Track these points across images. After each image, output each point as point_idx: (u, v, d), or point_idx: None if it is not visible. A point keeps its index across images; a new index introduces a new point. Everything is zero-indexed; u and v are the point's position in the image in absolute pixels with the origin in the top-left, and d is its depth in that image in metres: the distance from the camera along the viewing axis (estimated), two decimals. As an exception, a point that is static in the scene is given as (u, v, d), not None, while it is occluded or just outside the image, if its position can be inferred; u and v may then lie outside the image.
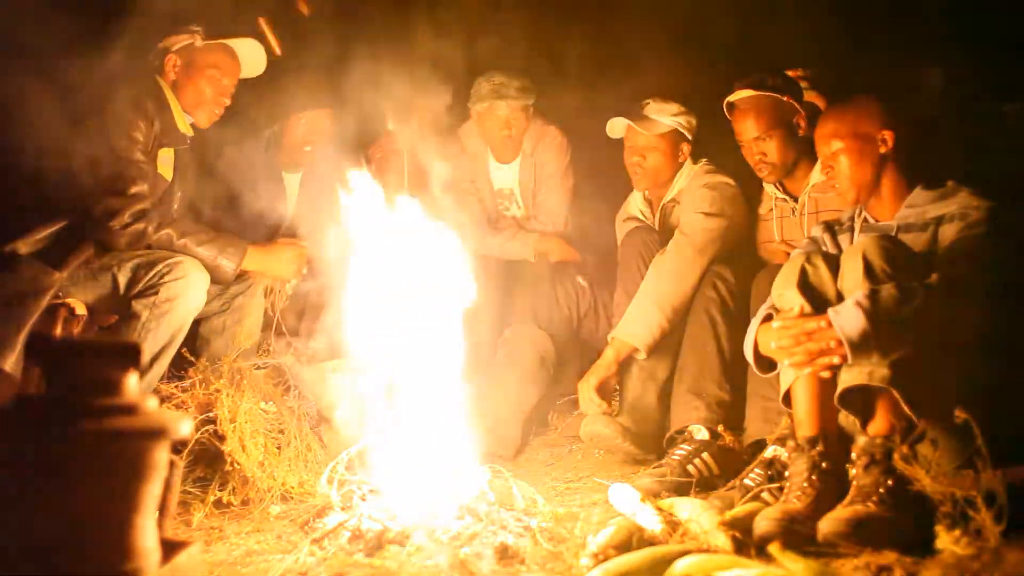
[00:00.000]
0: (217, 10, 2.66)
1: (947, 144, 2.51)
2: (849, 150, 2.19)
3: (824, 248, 2.23)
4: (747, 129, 2.65)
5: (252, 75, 2.79)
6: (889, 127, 2.16)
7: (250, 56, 2.75)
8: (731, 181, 2.87)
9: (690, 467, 2.29)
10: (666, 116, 2.95)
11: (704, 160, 3.00)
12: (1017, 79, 2.91)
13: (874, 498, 1.70)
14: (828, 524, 1.66)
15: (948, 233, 2.03)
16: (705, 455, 2.32)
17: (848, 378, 1.83)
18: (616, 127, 3.05)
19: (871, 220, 2.22)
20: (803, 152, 2.64)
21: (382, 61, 2.80)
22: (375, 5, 2.77)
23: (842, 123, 2.21)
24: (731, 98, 2.70)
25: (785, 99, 2.62)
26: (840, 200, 2.29)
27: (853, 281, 1.87)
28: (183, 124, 2.63)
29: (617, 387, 2.78)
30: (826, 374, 1.88)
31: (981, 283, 1.86)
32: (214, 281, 2.50)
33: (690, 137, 2.97)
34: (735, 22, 3.31)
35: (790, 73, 2.80)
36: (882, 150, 2.17)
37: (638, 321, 2.64)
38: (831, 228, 2.29)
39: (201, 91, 2.64)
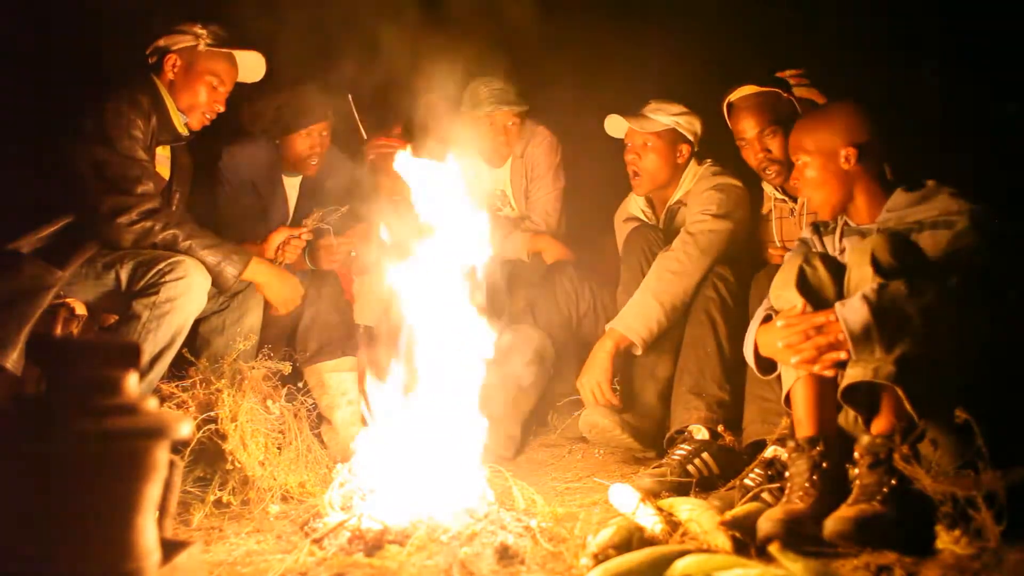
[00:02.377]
0: (225, 16, 2.64)
1: (925, 144, 2.50)
2: (812, 166, 2.19)
3: (815, 249, 2.22)
4: (749, 127, 2.64)
5: (249, 81, 2.77)
6: (853, 143, 2.14)
7: (250, 63, 2.73)
8: (738, 183, 2.86)
9: (690, 467, 2.29)
10: (664, 115, 2.95)
11: (709, 161, 2.99)
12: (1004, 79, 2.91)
13: (878, 497, 1.69)
14: (834, 523, 1.65)
15: (935, 240, 2.01)
16: (705, 455, 2.32)
17: (853, 374, 1.82)
18: (614, 126, 3.05)
19: (851, 224, 2.22)
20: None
21: (377, 62, 2.80)
22: (369, 6, 2.76)
23: (807, 137, 2.21)
24: (732, 97, 2.69)
25: (785, 96, 2.62)
26: (818, 212, 2.28)
27: (860, 278, 1.86)
28: (178, 124, 2.63)
29: (618, 386, 2.78)
30: (829, 372, 1.88)
31: (977, 289, 1.85)
32: (214, 286, 2.49)
33: (690, 138, 2.97)
34: (735, 23, 3.31)
35: (789, 72, 2.80)
36: (845, 167, 2.15)
37: (637, 315, 2.63)
38: (818, 229, 2.29)
39: (197, 95, 2.61)
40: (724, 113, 2.75)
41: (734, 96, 2.69)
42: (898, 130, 2.29)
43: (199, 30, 2.62)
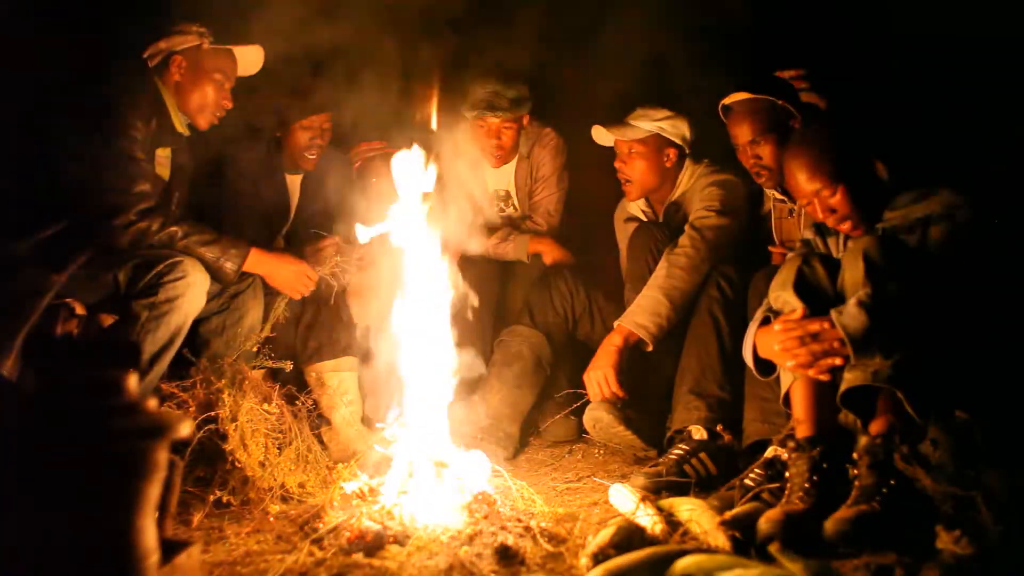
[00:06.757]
0: (223, 13, 2.63)
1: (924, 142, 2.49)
2: (849, 189, 2.07)
3: (817, 250, 2.22)
4: (742, 133, 2.64)
5: (246, 74, 2.76)
6: (875, 154, 2.10)
7: (248, 56, 2.73)
8: (736, 178, 2.87)
9: (686, 467, 2.29)
10: (647, 122, 2.94)
11: (706, 160, 3.00)
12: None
13: (878, 498, 1.70)
14: (833, 524, 1.66)
15: (938, 234, 2.00)
16: (703, 455, 2.32)
17: (851, 378, 1.82)
18: (601, 135, 3.06)
19: None
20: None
21: (373, 62, 2.79)
22: (370, 4, 2.76)
23: (820, 169, 2.08)
24: (726, 101, 2.69)
25: (780, 103, 2.60)
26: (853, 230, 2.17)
27: (854, 281, 1.87)
28: (179, 124, 2.62)
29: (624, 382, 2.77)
30: (825, 377, 1.88)
31: (977, 282, 1.86)
32: (216, 281, 2.49)
33: (677, 141, 2.96)
34: (735, 23, 3.30)
35: (789, 73, 2.79)
36: (882, 175, 2.11)
37: (646, 311, 2.62)
38: (821, 230, 2.29)
39: (206, 94, 2.60)
40: (720, 115, 2.75)
41: (728, 100, 2.68)
42: (894, 128, 2.28)
43: (201, 28, 2.60)
